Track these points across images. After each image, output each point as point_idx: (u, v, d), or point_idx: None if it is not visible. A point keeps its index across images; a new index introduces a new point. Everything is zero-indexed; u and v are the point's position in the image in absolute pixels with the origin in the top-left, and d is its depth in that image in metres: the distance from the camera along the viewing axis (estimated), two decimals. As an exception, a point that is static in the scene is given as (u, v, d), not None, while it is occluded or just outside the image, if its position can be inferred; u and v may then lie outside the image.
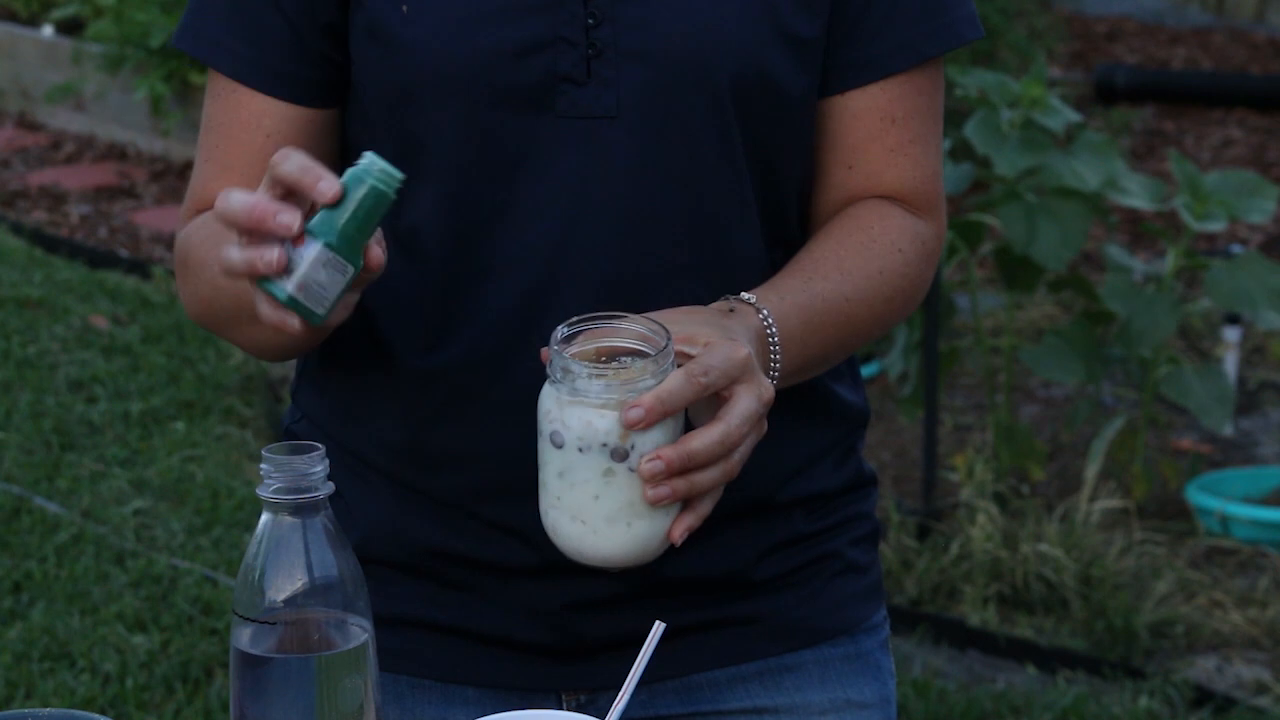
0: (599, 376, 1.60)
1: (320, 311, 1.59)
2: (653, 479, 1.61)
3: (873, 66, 1.83)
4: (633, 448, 1.61)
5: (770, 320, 1.73)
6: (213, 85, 1.85)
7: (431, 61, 1.74)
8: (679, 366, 1.62)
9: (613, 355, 1.64)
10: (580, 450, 1.62)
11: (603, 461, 1.62)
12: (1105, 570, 4.39)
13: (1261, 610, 4.38)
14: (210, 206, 1.84)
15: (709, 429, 1.62)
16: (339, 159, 1.87)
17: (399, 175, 1.58)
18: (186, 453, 5.05)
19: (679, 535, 1.65)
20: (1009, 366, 4.89)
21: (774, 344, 1.73)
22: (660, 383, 1.60)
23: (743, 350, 1.64)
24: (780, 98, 1.79)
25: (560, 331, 1.63)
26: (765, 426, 1.66)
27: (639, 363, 1.61)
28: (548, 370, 1.63)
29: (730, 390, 1.63)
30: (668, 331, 1.62)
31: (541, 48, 1.74)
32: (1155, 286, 4.73)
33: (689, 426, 1.65)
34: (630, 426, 1.60)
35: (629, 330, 1.64)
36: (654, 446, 1.61)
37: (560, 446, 1.62)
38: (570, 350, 1.63)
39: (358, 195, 1.57)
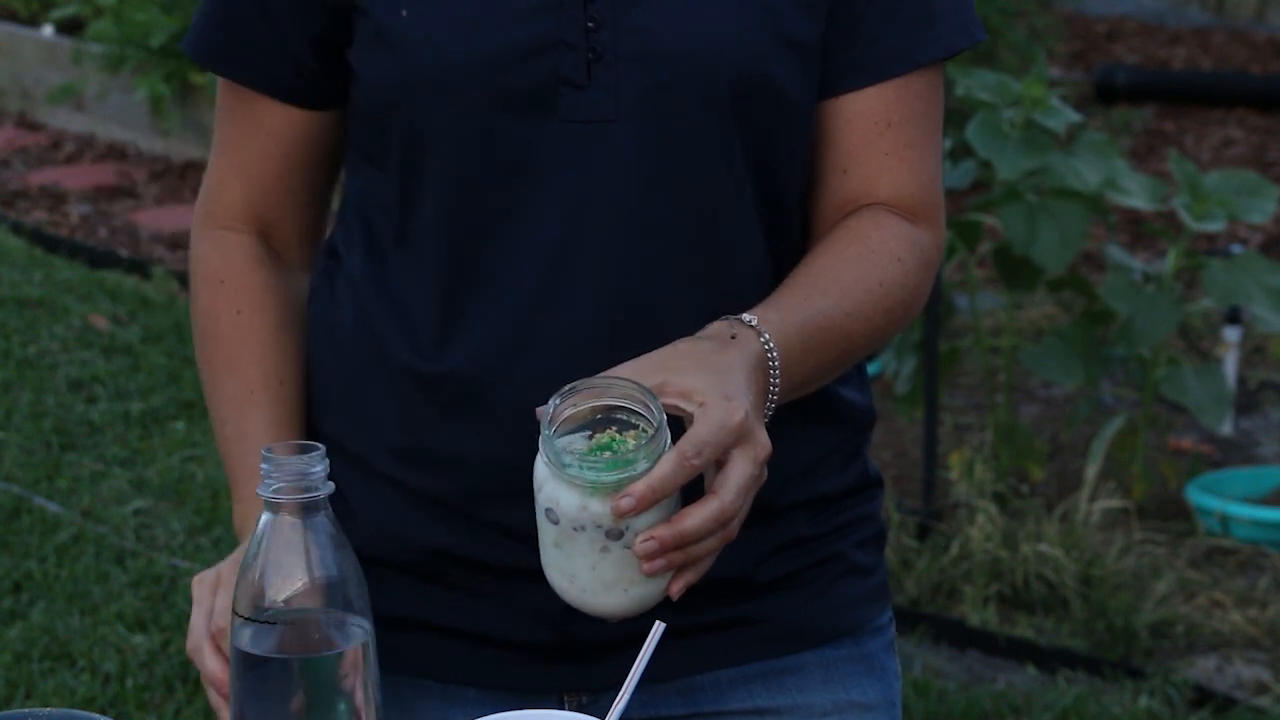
0: (591, 468, 1.59)
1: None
2: (648, 558, 1.61)
3: (868, 70, 1.82)
4: (627, 528, 1.61)
5: (771, 345, 1.72)
6: (221, 81, 1.89)
7: (432, 64, 1.74)
8: (676, 412, 1.62)
9: (608, 412, 1.63)
10: (575, 529, 1.62)
11: (598, 539, 1.62)
12: (1105, 570, 4.38)
13: (1261, 610, 4.37)
14: (227, 209, 1.88)
15: (703, 505, 1.62)
16: (340, 156, 1.88)
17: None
18: (186, 453, 5.05)
19: (677, 592, 1.66)
20: (1009, 366, 4.89)
21: (774, 369, 1.72)
22: (652, 467, 1.59)
23: (738, 415, 1.62)
24: (781, 102, 1.78)
25: (552, 404, 1.61)
26: (765, 475, 1.66)
27: (630, 446, 1.60)
28: (540, 444, 1.61)
29: (726, 455, 1.63)
30: (660, 407, 1.60)
31: (542, 51, 1.74)
32: (1155, 286, 4.73)
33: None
34: (621, 516, 1.59)
35: (622, 391, 1.62)
36: (648, 526, 1.61)
37: (555, 523, 1.62)
38: (565, 413, 1.61)
39: None
